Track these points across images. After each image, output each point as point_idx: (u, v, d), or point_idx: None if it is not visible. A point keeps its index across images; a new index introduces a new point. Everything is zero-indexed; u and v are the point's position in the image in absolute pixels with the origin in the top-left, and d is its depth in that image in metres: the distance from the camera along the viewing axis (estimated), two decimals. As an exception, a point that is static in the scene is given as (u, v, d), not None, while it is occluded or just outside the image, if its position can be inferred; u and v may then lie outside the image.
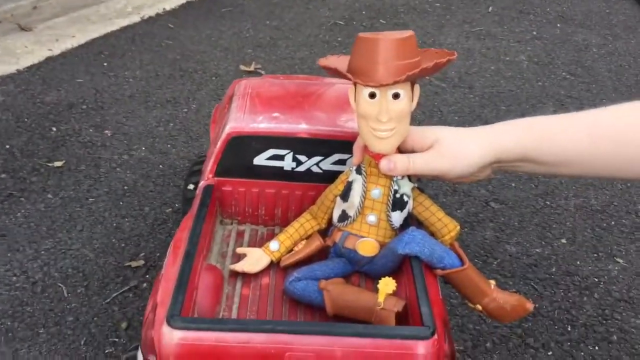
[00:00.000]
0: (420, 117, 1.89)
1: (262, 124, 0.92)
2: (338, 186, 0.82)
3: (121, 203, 1.48)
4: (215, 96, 1.96)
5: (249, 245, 0.93)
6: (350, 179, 0.80)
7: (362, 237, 0.80)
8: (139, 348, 0.72)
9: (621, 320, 1.21)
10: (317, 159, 0.93)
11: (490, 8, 2.75)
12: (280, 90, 1.02)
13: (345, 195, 0.80)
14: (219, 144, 0.92)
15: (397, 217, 0.79)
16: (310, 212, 0.88)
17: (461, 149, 0.73)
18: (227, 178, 0.94)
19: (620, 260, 1.36)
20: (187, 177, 1.29)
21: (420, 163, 0.74)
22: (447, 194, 1.55)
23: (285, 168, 0.93)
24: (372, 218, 0.78)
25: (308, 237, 0.86)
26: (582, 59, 2.30)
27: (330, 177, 0.88)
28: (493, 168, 0.78)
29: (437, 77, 2.13)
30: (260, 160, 0.92)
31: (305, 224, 0.87)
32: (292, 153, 0.92)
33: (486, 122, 0.80)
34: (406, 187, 0.79)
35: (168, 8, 2.65)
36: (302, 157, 0.92)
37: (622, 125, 0.70)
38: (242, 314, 0.80)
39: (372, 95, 0.70)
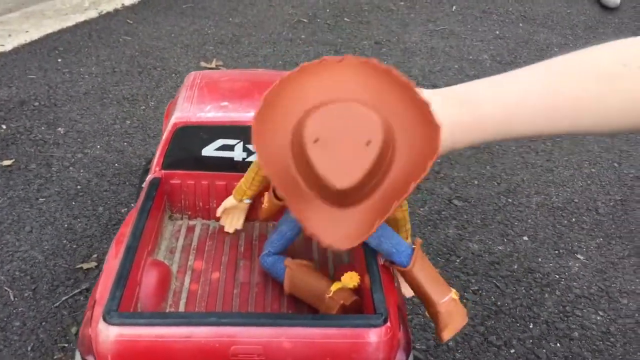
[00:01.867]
0: (383, 115, 1.87)
1: (210, 113, 0.88)
2: None
3: (74, 203, 1.42)
4: (174, 93, 1.91)
5: (199, 244, 0.90)
6: None
7: None
8: (76, 349, 0.68)
9: (582, 316, 1.21)
10: None
11: (454, 7, 2.76)
12: (230, 81, 0.99)
13: None
14: (164, 135, 0.88)
15: None
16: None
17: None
18: (175, 170, 0.90)
19: (581, 257, 1.36)
20: (142, 174, 1.24)
21: None
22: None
23: (235, 158, 0.90)
24: None
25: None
26: (544, 58, 2.30)
27: None
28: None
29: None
30: (209, 151, 0.89)
31: (259, 172, 0.84)
32: (242, 143, 0.89)
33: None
34: None
35: (127, 3, 2.58)
36: (252, 147, 0.89)
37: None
38: (190, 309, 0.76)
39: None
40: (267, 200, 0.81)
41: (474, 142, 0.58)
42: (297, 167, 0.53)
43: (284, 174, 0.53)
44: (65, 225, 1.35)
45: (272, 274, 0.81)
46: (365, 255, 0.74)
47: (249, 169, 0.85)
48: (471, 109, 0.56)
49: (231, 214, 0.92)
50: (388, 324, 0.64)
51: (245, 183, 0.86)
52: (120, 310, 0.64)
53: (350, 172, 0.49)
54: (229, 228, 0.92)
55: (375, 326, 0.63)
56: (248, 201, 0.90)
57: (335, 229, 0.51)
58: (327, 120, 0.51)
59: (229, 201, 0.89)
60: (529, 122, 0.57)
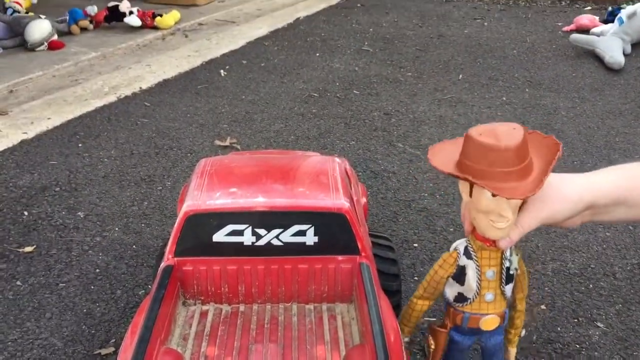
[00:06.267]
0: (395, 186, 1.90)
1: (219, 201, 0.92)
2: (448, 270, 0.84)
3: (92, 287, 1.44)
4: (190, 173, 1.96)
5: (212, 329, 0.91)
6: (461, 264, 0.82)
7: (483, 314, 0.84)
8: None
9: (606, 388, 1.18)
10: (276, 231, 0.92)
11: (461, 76, 2.83)
12: (239, 166, 1.03)
13: (459, 279, 0.83)
14: (176, 223, 0.92)
15: (509, 289, 0.85)
16: (419, 297, 0.89)
17: (560, 193, 0.76)
18: (188, 257, 0.93)
19: (601, 325, 1.34)
20: (159, 257, 1.26)
21: (527, 222, 0.77)
22: (424, 263, 1.54)
23: (245, 243, 0.92)
24: (489, 296, 0.83)
25: (431, 330, 0.90)
26: (552, 122, 2.35)
27: (291, 249, 0.88)
28: (586, 215, 0.79)
29: (410, 145, 2.16)
30: (220, 236, 0.92)
31: (423, 308, 0.90)
32: (250, 227, 0.92)
33: (459, 190, 0.82)
34: (515, 261, 0.84)
35: (145, 87, 2.69)
36: (261, 231, 0.92)
37: None
38: None
39: (494, 195, 0.73)
40: (433, 344, 0.88)
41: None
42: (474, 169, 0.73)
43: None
44: (85, 310, 1.37)
45: None
46: (374, 336, 0.75)
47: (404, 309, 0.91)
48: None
49: None
50: None
51: (403, 321, 0.92)
52: None
53: (508, 140, 0.71)
54: None
55: None
56: (407, 339, 0.93)
57: (517, 191, 0.70)
58: (485, 128, 0.74)
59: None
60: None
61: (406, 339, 0.93)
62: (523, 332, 0.93)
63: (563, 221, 0.78)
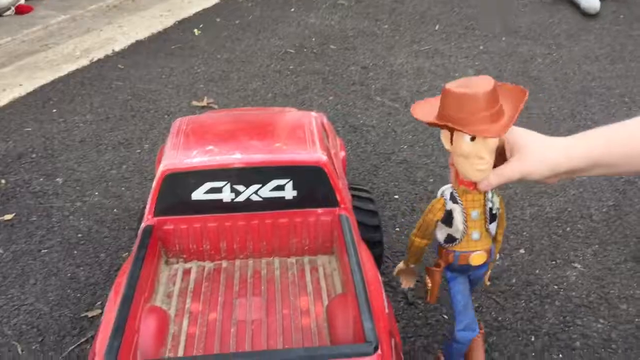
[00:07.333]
0: (374, 139, 1.90)
1: (196, 159, 0.91)
2: (436, 214, 0.90)
3: (75, 252, 1.44)
4: (167, 135, 1.95)
5: (195, 286, 0.92)
6: (448, 208, 0.89)
7: (471, 251, 0.91)
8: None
9: (582, 325, 1.22)
10: (255, 187, 0.93)
11: (437, 26, 2.80)
12: (215, 124, 1.02)
13: (447, 222, 0.90)
14: (154, 183, 0.91)
15: (493, 227, 0.92)
16: (415, 235, 0.95)
17: (541, 155, 0.82)
18: (168, 216, 0.93)
19: (578, 266, 1.38)
20: (140, 218, 1.26)
21: (506, 171, 0.83)
22: (405, 214, 1.55)
23: (224, 200, 0.93)
24: (475, 235, 0.90)
25: (428, 271, 0.97)
26: (529, 70, 2.35)
27: (271, 204, 0.88)
28: (564, 175, 0.85)
29: (389, 98, 2.16)
30: (199, 194, 0.92)
31: (420, 244, 0.95)
32: (229, 184, 0.92)
33: (439, 140, 0.86)
34: (497, 201, 0.91)
35: (117, 49, 2.64)
36: (240, 187, 0.92)
37: None
38: (188, 352, 0.78)
39: (473, 139, 0.81)
40: (430, 282, 0.95)
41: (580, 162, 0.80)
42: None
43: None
44: (69, 275, 1.37)
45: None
46: (355, 285, 0.76)
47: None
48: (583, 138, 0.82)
49: (404, 275, 1.03)
50: (379, 352, 0.66)
51: (408, 254, 0.98)
52: (120, 359, 0.66)
53: (479, 88, 0.78)
54: (405, 285, 1.03)
55: (366, 355, 0.65)
56: (413, 266, 1.00)
57: (490, 131, 0.78)
58: (459, 81, 0.81)
59: (400, 265, 1.02)
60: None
61: (412, 266, 1.00)
62: (497, 257, 1.03)
63: (539, 180, 0.84)
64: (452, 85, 0.80)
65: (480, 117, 0.78)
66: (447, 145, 0.85)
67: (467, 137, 0.81)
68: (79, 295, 1.32)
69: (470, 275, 0.97)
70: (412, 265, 1.01)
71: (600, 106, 2.07)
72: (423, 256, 0.99)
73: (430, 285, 0.96)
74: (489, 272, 1.01)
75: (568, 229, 1.50)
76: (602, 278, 1.34)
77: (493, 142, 0.82)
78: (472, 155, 0.82)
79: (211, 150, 0.93)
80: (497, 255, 0.99)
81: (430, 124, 0.82)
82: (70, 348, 1.18)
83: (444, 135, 0.85)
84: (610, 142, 0.81)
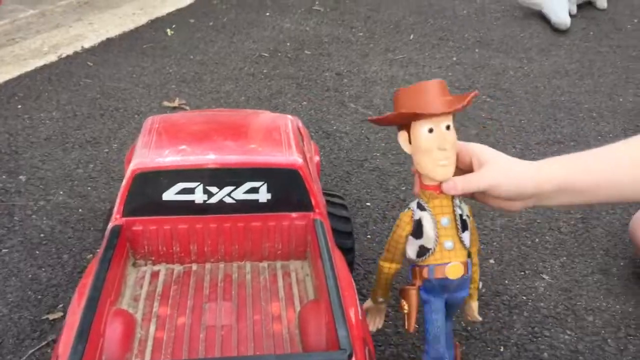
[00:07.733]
0: (347, 146, 1.89)
1: (168, 158, 0.89)
2: (405, 228, 0.86)
3: (37, 252, 1.40)
4: (138, 134, 1.91)
5: (164, 289, 0.89)
6: (416, 218, 0.85)
7: (446, 263, 0.85)
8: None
9: (550, 336, 1.23)
10: (228, 189, 0.91)
11: (412, 36, 2.82)
12: (188, 123, 1.00)
13: (417, 233, 0.86)
14: (124, 182, 0.89)
15: (467, 237, 0.87)
16: (384, 259, 0.91)
17: (511, 172, 0.82)
18: (137, 217, 0.90)
19: (546, 277, 1.39)
20: (107, 219, 1.23)
21: (474, 178, 0.82)
22: (376, 222, 1.55)
23: (196, 201, 0.90)
24: (449, 244, 0.85)
25: (402, 292, 0.91)
26: (500, 82, 2.38)
27: (244, 207, 0.86)
28: (530, 201, 0.85)
29: (362, 105, 2.16)
30: (170, 195, 0.89)
31: (390, 271, 0.92)
32: (202, 185, 0.89)
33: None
34: (465, 209, 0.88)
35: (87, 46, 2.58)
36: (213, 189, 0.90)
37: None
38: (155, 358, 0.76)
39: (430, 130, 0.80)
40: (406, 305, 0.88)
41: (559, 187, 0.81)
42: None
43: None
44: (30, 276, 1.33)
45: None
46: (329, 291, 0.75)
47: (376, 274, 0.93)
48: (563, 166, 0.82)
49: (371, 314, 0.99)
50: (353, 359, 0.65)
51: (376, 284, 0.94)
52: None
53: (430, 80, 0.82)
54: (372, 328, 0.98)
55: None
56: (382, 300, 0.96)
57: (442, 107, 0.79)
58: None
59: (367, 303, 0.98)
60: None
61: (380, 299, 0.95)
62: (480, 285, 0.95)
63: (505, 199, 0.84)
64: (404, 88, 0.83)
65: (434, 101, 0.80)
66: (406, 148, 0.84)
67: (425, 129, 0.80)
68: (40, 297, 1.27)
69: (447, 299, 0.90)
70: (381, 300, 0.95)
71: (570, 120, 2.10)
72: (391, 289, 0.94)
73: (406, 308, 0.88)
74: (475, 303, 0.96)
75: (537, 240, 1.51)
76: (570, 290, 1.36)
77: (452, 136, 0.82)
78: (433, 149, 0.81)
79: (184, 150, 0.91)
80: (478, 278, 0.95)
81: (383, 119, 0.84)
82: (30, 352, 1.14)
83: (402, 137, 0.84)
84: (577, 167, 0.82)
